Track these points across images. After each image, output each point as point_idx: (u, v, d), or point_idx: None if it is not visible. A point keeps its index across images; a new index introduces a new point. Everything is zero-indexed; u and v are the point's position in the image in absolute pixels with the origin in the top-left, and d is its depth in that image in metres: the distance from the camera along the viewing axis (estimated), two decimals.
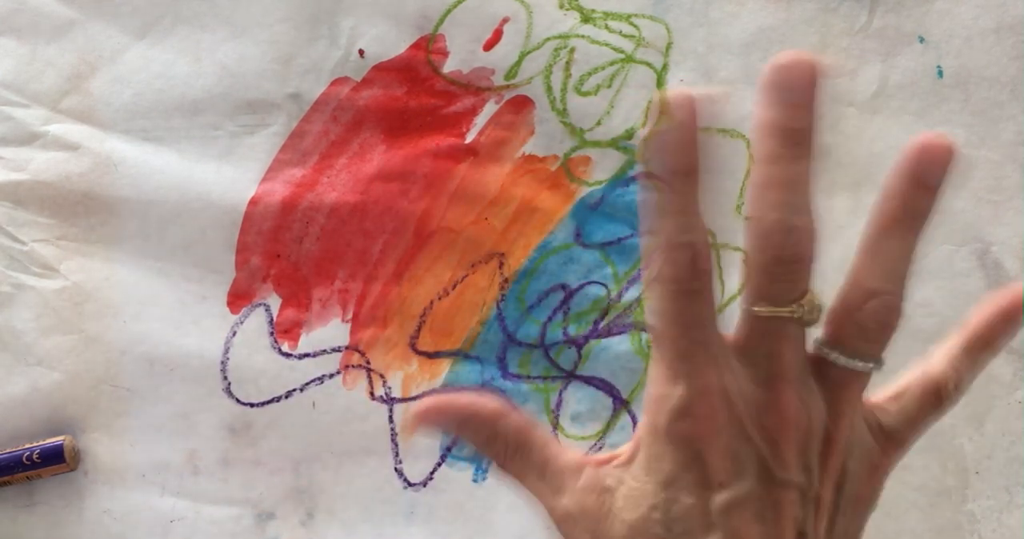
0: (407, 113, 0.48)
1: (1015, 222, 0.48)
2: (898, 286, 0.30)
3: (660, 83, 0.48)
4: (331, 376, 0.47)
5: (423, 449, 0.47)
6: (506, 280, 0.48)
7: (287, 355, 0.47)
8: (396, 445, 0.47)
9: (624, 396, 0.48)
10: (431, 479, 0.48)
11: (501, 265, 0.48)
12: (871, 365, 0.30)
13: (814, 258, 0.29)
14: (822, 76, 0.28)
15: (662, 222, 0.29)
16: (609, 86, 0.48)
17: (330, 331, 0.48)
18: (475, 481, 0.48)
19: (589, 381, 0.48)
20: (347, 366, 0.48)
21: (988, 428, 0.48)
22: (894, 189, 0.30)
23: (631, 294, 0.48)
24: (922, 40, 0.48)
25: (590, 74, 0.48)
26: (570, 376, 0.48)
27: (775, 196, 0.29)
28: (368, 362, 0.48)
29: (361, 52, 0.47)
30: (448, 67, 0.48)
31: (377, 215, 0.47)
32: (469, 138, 0.48)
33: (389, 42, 0.47)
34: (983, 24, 0.48)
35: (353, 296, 0.48)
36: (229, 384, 0.47)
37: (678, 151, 0.28)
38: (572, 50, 0.48)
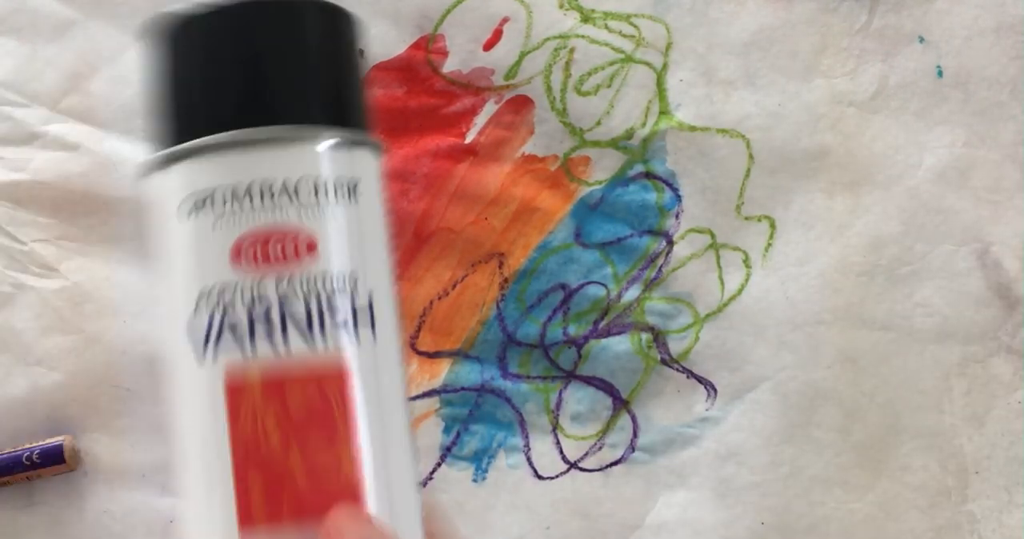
0: (407, 113, 0.48)
1: (1015, 222, 0.48)
2: None
3: (660, 83, 0.48)
4: None
5: (423, 449, 0.47)
6: (506, 280, 0.48)
7: None
8: None
9: (624, 396, 0.48)
10: (431, 479, 0.48)
11: (501, 265, 0.48)
12: None
13: None
14: None
15: None
16: (609, 86, 0.48)
17: None
18: (475, 481, 0.48)
19: (589, 381, 0.48)
20: None
21: (988, 428, 0.48)
22: None
23: (631, 294, 0.48)
24: (922, 40, 0.48)
25: (590, 74, 0.48)
26: (570, 376, 0.48)
27: None
28: None
29: (361, 52, 0.47)
30: (448, 67, 0.48)
31: None
32: (469, 138, 0.48)
33: (389, 42, 0.47)
34: (983, 24, 0.48)
35: None
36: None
37: None
38: (572, 50, 0.48)
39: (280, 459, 0.29)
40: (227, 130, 0.29)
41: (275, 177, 0.29)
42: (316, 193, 0.30)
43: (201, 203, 0.29)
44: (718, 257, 0.48)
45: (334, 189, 0.30)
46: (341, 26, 0.32)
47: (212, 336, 0.29)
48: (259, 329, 0.29)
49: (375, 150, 0.32)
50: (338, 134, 0.31)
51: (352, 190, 0.31)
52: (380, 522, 0.30)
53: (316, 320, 0.29)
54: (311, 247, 0.29)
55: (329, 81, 0.32)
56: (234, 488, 0.29)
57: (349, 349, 0.30)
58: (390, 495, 0.31)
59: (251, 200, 0.29)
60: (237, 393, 0.29)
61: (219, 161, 0.29)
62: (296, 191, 0.29)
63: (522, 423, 0.48)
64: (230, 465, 0.29)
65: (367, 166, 0.32)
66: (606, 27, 0.48)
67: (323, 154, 0.30)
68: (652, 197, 0.48)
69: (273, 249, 0.29)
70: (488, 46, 0.48)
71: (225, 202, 0.29)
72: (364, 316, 0.30)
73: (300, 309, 0.29)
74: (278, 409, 0.29)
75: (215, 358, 0.29)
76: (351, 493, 0.30)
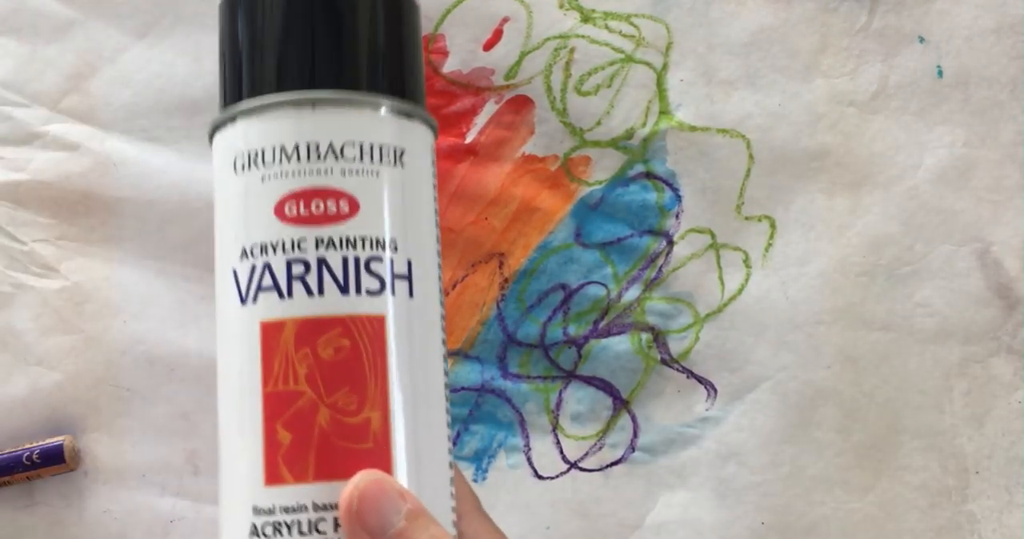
0: None
1: (1015, 222, 0.48)
2: None
3: (660, 83, 0.48)
4: None
5: None
6: (506, 280, 0.48)
7: None
8: None
9: (624, 396, 0.48)
10: None
11: (501, 265, 0.48)
12: None
13: None
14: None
15: None
16: (609, 86, 0.48)
17: None
18: (475, 481, 0.48)
19: (589, 381, 0.48)
20: None
21: (988, 428, 0.48)
22: None
23: (631, 294, 0.48)
24: (922, 40, 0.48)
25: (590, 74, 0.48)
26: (570, 376, 0.48)
27: None
28: None
29: None
30: (448, 67, 0.48)
31: None
32: (469, 138, 0.48)
33: None
34: (983, 24, 0.48)
35: None
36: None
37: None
38: (572, 50, 0.48)
39: (309, 415, 0.30)
40: (281, 92, 0.31)
41: (322, 138, 0.31)
42: (361, 157, 0.31)
43: (252, 159, 0.31)
44: (718, 257, 0.48)
45: (379, 155, 0.31)
46: (401, 6, 0.33)
47: (254, 281, 0.31)
48: (297, 280, 0.30)
49: (426, 125, 0.33)
50: (387, 103, 0.32)
51: (398, 158, 0.32)
52: (404, 490, 0.30)
53: (352, 278, 0.30)
54: (352, 208, 0.31)
55: (384, 53, 0.33)
56: (263, 442, 0.30)
57: (384, 307, 0.31)
58: (419, 460, 0.31)
59: (298, 159, 0.31)
60: (271, 334, 0.30)
61: (270, 120, 0.31)
62: (341, 153, 0.31)
63: (522, 423, 0.48)
64: (260, 418, 0.30)
65: (416, 138, 0.33)
66: (606, 27, 0.48)
67: (371, 119, 0.32)
68: (652, 197, 0.48)
69: (315, 207, 0.31)
70: (488, 46, 0.48)
71: (274, 159, 0.31)
72: (402, 280, 0.31)
73: (338, 267, 0.30)
74: (310, 359, 0.30)
75: (255, 300, 0.31)
76: (378, 456, 0.30)
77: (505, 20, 0.48)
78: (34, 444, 0.46)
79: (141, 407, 0.47)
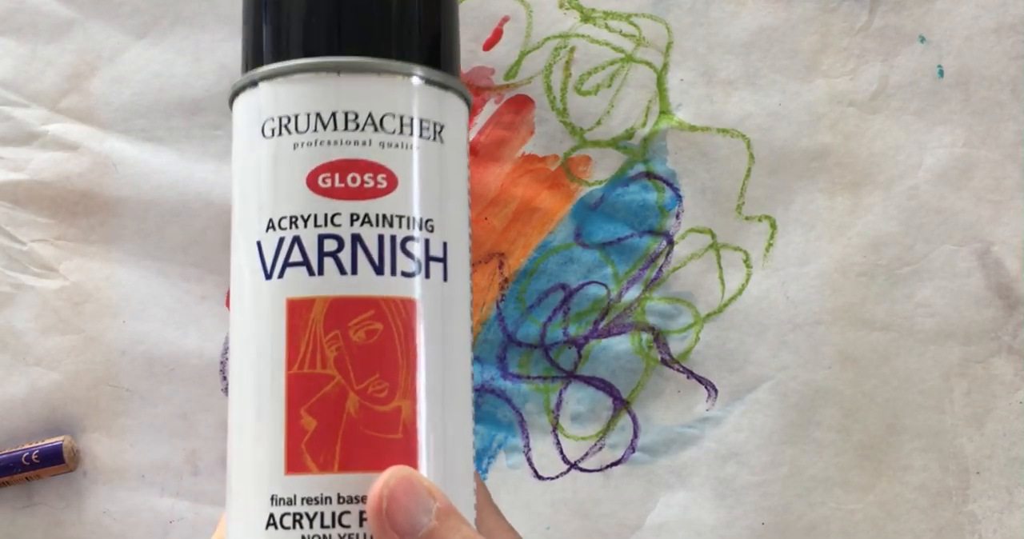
0: None
1: (1015, 222, 0.48)
2: None
3: (660, 82, 0.48)
4: None
5: None
6: (506, 280, 0.48)
7: None
8: None
9: (624, 396, 0.48)
10: None
11: (501, 265, 0.48)
12: None
13: None
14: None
15: None
16: (609, 86, 0.48)
17: None
18: None
19: (589, 381, 0.48)
20: None
21: (989, 428, 0.48)
22: None
23: (631, 294, 0.48)
24: (922, 40, 0.48)
25: (590, 74, 0.48)
26: (570, 376, 0.48)
27: None
28: None
29: None
30: None
31: None
32: (469, 138, 0.48)
33: None
34: (983, 24, 0.48)
35: None
36: (229, 384, 0.47)
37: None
38: (572, 49, 0.48)
39: (337, 401, 0.28)
40: (319, 56, 0.29)
41: (361, 107, 0.29)
42: (401, 129, 0.29)
43: (285, 124, 0.29)
44: (718, 257, 0.48)
45: (420, 128, 0.30)
46: None
47: (281, 254, 0.29)
48: (328, 256, 0.28)
49: (463, 99, 0.32)
50: (430, 73, 0.30)
51: (438, 133, 0.30)
52: (434, 488, 0.28)
53: (388, 258, 0.29)
54: (391, 184, 0.29)
55: (425, 23, 0.31)
56: (284, 428, 0.28)
57: (419, 290, 0.29)
58: (446, 454, 0.29)
59: (335, 127, 0.29)
60: (298, 312, 0.28)
61: (306, 85, 0.29)
62: (381, 124, 0.29)
63: (522, 423, 0.48)
64: (283, 402, 0.28)
65: (455, 113, 0.31)
66: (606, 26, 0.48)
67: (413, 89, 0.30)
68: (652, 197, 0.48)
69: (351, 180, 0.29)
70: (488, 46, 0.48)
71: (308, 127, 0.29)
72: (437, 263, 0.29)
73: (373, 245, 0.28)
74: (340, 341, 0.28)
75: (281, 275, 0.29)
76: (407, 447, 0.28)
77: (505, 20, 0.48)
78: (33, 444, 0.46)
79: (140, 407, 0.47)
